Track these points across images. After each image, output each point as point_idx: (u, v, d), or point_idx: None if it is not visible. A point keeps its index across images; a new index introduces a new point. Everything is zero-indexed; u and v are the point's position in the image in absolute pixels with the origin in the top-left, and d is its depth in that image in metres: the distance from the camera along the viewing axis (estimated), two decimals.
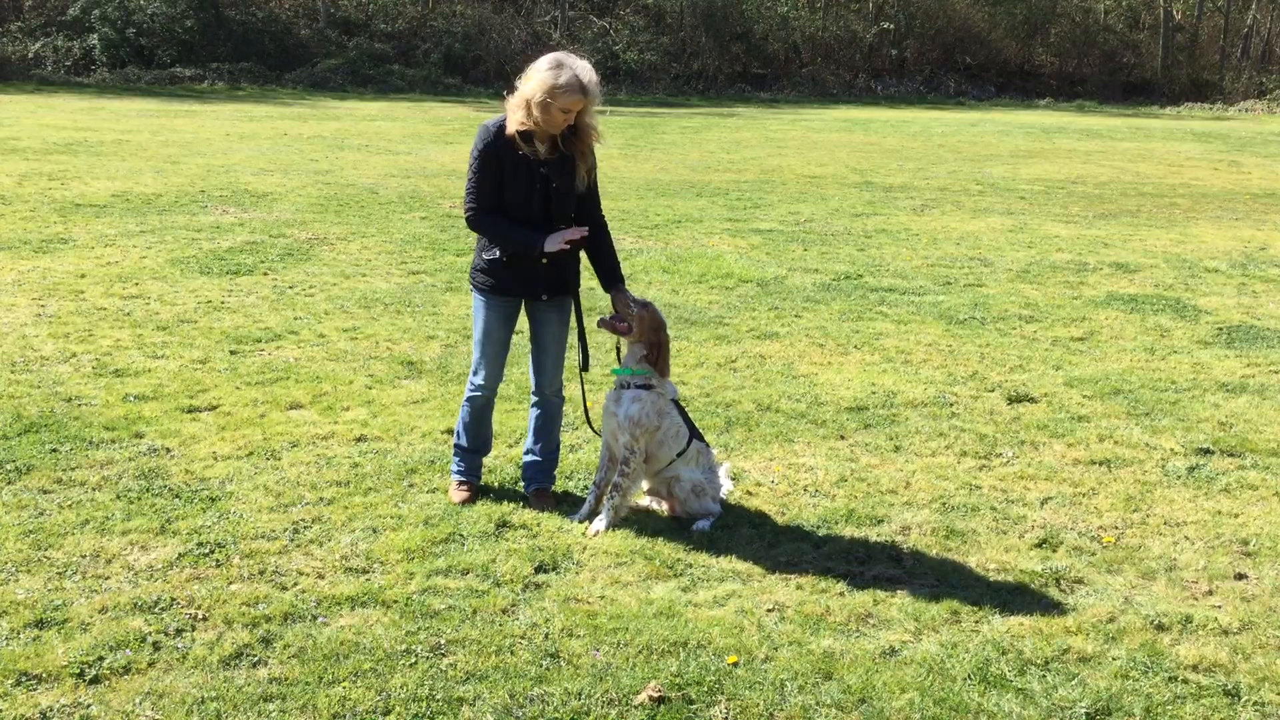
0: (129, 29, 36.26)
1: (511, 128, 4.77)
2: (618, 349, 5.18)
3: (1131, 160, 22.05)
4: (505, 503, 5.23)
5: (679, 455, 5.07)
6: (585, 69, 4.77)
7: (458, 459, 5.31)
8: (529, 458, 5.35)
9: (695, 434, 5.17)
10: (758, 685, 3.83)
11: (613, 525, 5.00)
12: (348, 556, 4.65)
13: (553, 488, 5.40)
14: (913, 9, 44.73)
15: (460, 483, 5.26)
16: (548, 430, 5.31)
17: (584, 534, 4.94)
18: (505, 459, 5.75)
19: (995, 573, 4.69)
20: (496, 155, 4.81)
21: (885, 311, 9.18)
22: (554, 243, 4.85)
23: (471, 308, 5.19)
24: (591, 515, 5.10)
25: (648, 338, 5.00)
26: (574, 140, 4.89)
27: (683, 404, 6.60)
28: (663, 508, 5.24)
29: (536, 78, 4.71)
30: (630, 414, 4.96)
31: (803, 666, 3.93)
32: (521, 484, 5.41)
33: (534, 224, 4.87)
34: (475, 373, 5.18)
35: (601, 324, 5.03)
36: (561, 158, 4.89)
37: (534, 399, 5.31)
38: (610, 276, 5.09)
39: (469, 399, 5.23)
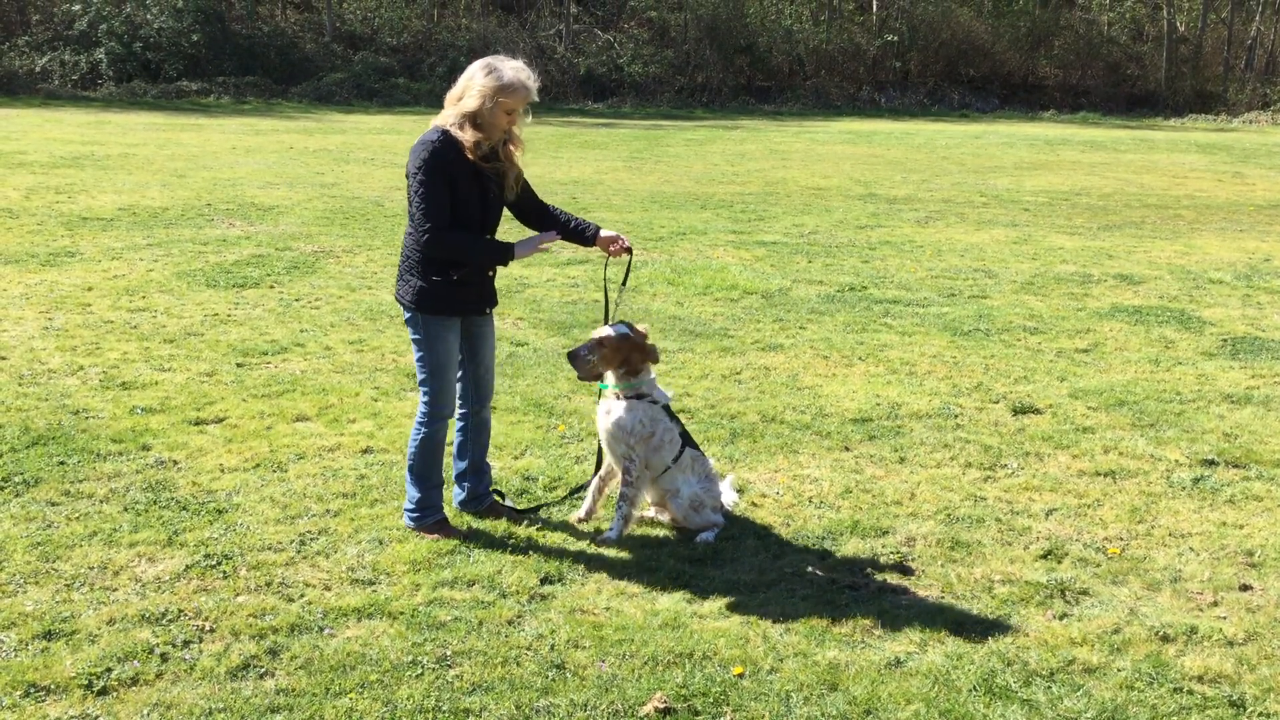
0: (135, 43, 36.40)
1: (471, 152, 4.66)
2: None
3: (1135, 172, 22.07)
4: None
5: (673, 462, 5.08)
6: (520, 66, 4.71)
7: (431, 499, 5.00)
8: (473, 479, 5.19)
9: (689, 442, 5.17)
10: (763, 696, 3.83)
11: (622, 534, 5.02)
12: (354, 568, 4.67)
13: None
14: (916, 21, 44.82)
15: (441, 522, 5.03)
16: (481, 443, 5.22)
17: (592, 544, 4.96)
18: (511, 470, 5.77)
19: (1000, 584, 4.69)
20: (447, 168, 4.66)
21: (890, 323, 9.19)
22: (527, 249, 4.82)
23: (418, 336, 4.87)
24: (590, 514, 5.18)
25: (616, 361, 5.00)
26: (506, 148, 4.82)
27: (688, 415, 6.62)
28: (665, 517, 5.25)
29: (476, 86, 4.63)
30: (622, 423, 4.98)
31: (808, 678, 3.94)
32: (463, 511, 5.24)
33: (473, 233, 4.82)
34: (437, 403, 4.91)
35: (580, 379, 5.11)
36: (498, 168, 4.84)
37: (466, 419, 5.15)
38: (586, 232, 5.03)
39: (433, 431, 4.94)
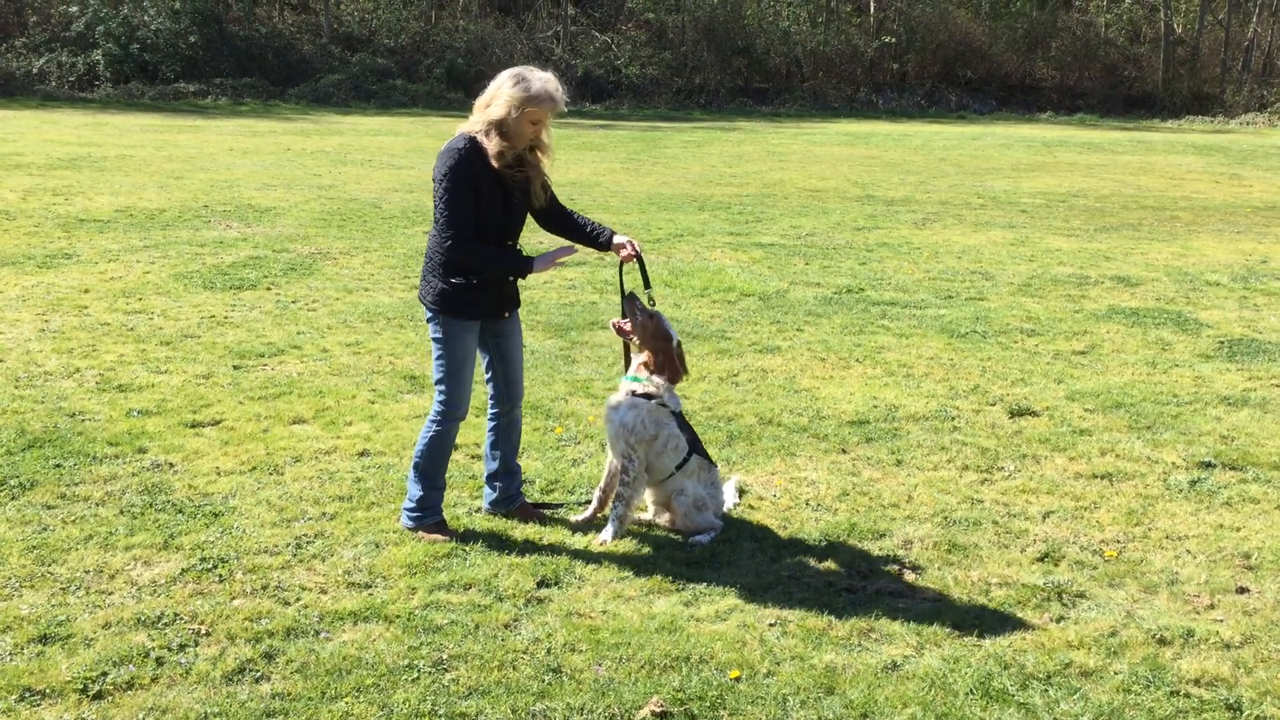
0: (133, 45, 36.36)
1: (497, 160, 4.68)
2: (626, 353, 5.20)
3: (1133, 173, 22.09)
4: (506, 518, 5.24)
5: (678, 468, 5.09)
6: (549, 78, 4.75)
7: (432, 500, 5.02)
8: (504, 480, 5.22)
9: (698, 449, 5.18)
10: (760, 700, 3.83)
11: (619, 535, 5.02)
12: (350, 571, 4.66)
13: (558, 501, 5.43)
14: (914, 23, 44.84)
15: (438, 524, 5.03)
16: (512, 443, 5.24)
17: (589, 546, 4.95)
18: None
19: (997, 587, 4.69)
20: (473, 176, 4.69)
21: (887, 325, 9.19)
22: (545, 264, 4.86)
23: (437, 336, 4.91)
24: (595, 516, 5.19)
25: (649, 346, 5.03)
26: (532, 157, 4.86)
27: (685, 417, 6.62)
28: (664, 520, 5.25)
29: (504, 95, 4.66)
30: (625, 421, 4.99)
31: (805, 681, 3.94)
32: (494, 512, 5.27)
33: (497, 241, 4.84)
34: (451, 403, 4.92)
35: (613, 326, 5.14)
36: (523, 175, 4.86)
37: (497, 418, 5.18)
38: (601, 238, 5.04)
39: (445, 430, 4.96)
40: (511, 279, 4.99)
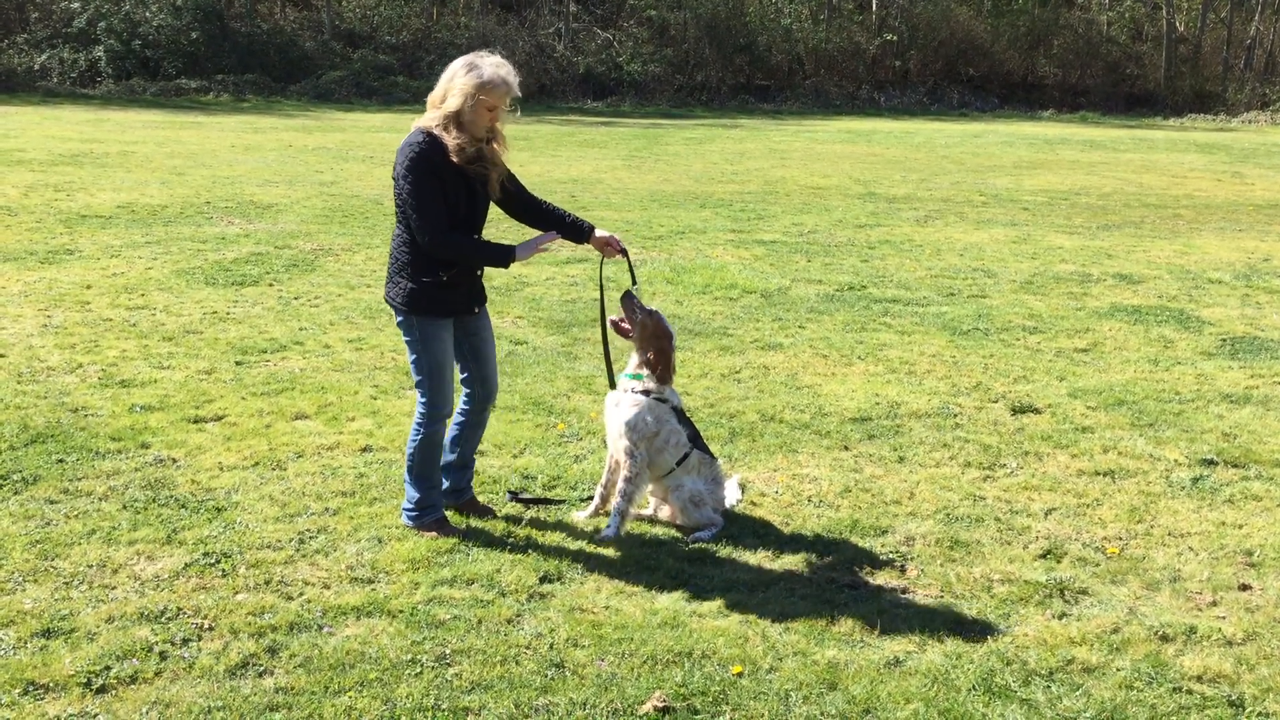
0: (134, 41, 36.37)
1: (456, 155, 4.63)
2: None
3: (1135, 171, 22.07)
4: (509, 514, 5.25)
5: (679, 464, 5.09)
6: (501, 62, 4.69)
7: (431, 499, 5.00)
8: (457, 474, 5.18)
9: (700, 445, 5.18)
10: (762, 696, 3.83)
11: (621, 532, 5.02)
12: (353, 566, 4.66)
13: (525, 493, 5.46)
14: (916, 21, 44.81)
15: (439, 520, 5.02)
16: (475, 440, 5.22)
17: (591, 542, 4.95)
18: (510, 468, 5.77)
19: (999, 583, 4.69)
20: (436, 171, 4.63)
21: (889, 322, 9.19)
22: (527, 251, 4.81)
23: (411, 338, 4.85)
24: (597, 513, 5.18)
25: (648, 345, 5.03)
26: (490, 148, 4.80)
27: (687, 414, 6.62)
28: (665, 515, 5.26)
29: (458, 85, 4.62)
30: (626, 418, 4.99)
31: (807, 677, 3.94)
32: (457, 503, 5.23)
33: (464, 235, 4.80)
34: (435, 404, 4.88)
35: (611, 324, 5.11)
36: (482, 169, 4.81)
37: (467, 415, 5.13)
38: (582, 228, 5.00)
39: (433, 431, 4.92)
40: (479, 272, 4.93)
